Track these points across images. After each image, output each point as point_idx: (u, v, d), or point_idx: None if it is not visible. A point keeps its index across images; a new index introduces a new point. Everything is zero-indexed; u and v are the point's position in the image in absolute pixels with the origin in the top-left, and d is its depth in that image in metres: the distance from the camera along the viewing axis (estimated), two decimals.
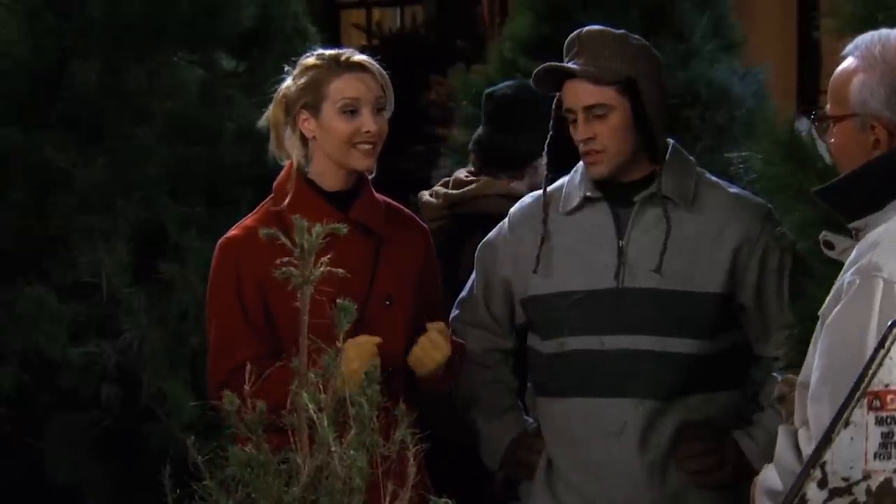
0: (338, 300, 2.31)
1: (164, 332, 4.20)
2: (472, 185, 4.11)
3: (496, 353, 3.63)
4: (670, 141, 3.51)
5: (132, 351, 4.18)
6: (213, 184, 4.34)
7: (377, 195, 3.48)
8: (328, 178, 3.40)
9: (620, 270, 3.43)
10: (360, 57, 3.41)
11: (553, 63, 3.42)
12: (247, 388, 2.29)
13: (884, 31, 2.74)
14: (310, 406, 2.21)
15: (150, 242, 4.25)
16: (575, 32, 3.47)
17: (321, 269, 2.28)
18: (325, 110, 3.36)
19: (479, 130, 4.21)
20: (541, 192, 3.56)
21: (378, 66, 3.42)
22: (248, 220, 3.43)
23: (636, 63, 3.44)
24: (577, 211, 3.50)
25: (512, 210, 3.63)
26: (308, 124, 3.38)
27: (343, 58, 3.39)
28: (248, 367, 2.36)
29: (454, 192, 4.09)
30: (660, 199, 3.44)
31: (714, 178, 3.54)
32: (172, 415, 4.09)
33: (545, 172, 3.55)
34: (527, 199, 3.62)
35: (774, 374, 3.20)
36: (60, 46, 4.33)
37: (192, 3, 4.36)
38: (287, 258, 2.31)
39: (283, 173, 3.44)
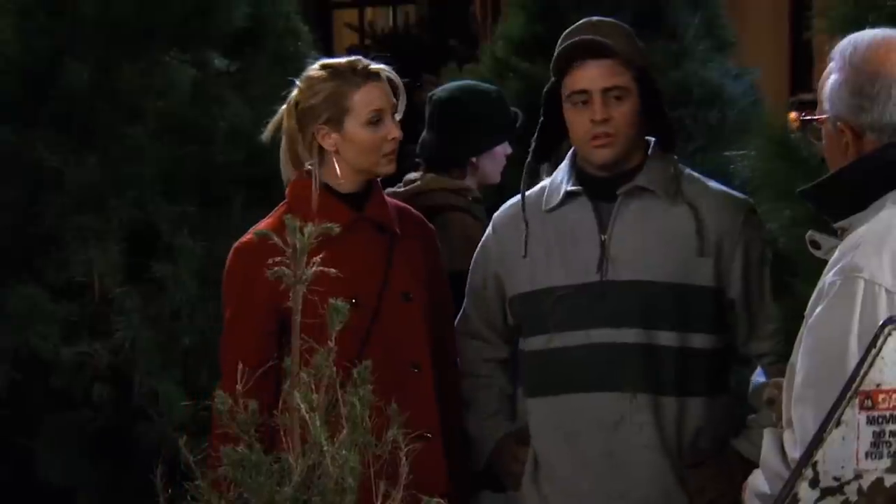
0: (331, 300, 2.30)
1: (156, 332, 4.20)
2: (416, 183, 4.26)
3: (491, 364, 3.65)
4: (651, 139, 3.52)
5: (124, 350, 4.18)
6: (205, 183, 4.34)
7: (388, 198, 3.54)
8: (344, 182, 3.43)
9: (603, 264, 3.44)
10: (375, 66, 3.44)
11: (589, 36, 3.38)
12: (239, 387, 2.29)
13: (861, 34, 2.72)
14: (301, 406, 2.21)
15: (143, 242, 4.25)
16: (583, 21, 3.46)
17: (313, 268, 2.28)
18: (349, 123, 3.40)
19: (423, 134, 4.38)
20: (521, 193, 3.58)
21: (391, 71, 3.46)
22: (263, 227, 3.37)
23: (645, 55, 3.47)
24: (559, 207, 3.51)
25: (495, 214, 3.66)
26: (328, 139, 3.41)
27: (360, 67, 3.42)
28: (240, 367, 2.35)
29: (398, 190, 4.16)
30: (642, 193, 3.44)
31: (694, 174, 3.56)
32: (164, 414, 4.09)
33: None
34: (510, 201, 3.64)
35: (756, 375, 3.18)
36: (52, 45, 4.32)
37: (183, 2, 4.36)
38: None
39: (295, 180, 3.45)
